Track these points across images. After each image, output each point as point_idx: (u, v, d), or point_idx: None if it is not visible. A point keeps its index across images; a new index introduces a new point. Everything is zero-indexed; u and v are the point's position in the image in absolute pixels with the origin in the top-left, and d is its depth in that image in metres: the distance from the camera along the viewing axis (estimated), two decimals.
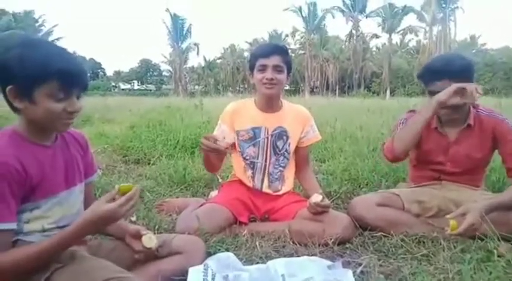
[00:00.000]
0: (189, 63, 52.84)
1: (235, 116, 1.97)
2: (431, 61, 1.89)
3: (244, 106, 2.00)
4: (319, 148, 3.65)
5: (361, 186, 2.56)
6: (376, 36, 45.73)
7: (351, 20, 43.52)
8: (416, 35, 45.22)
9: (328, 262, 1.47)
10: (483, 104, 1.89)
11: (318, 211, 1.75)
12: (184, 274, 1.31)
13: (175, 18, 45.54)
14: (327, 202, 1.77)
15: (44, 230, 1.12)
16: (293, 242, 1.72)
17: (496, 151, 1.87)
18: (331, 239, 1.67)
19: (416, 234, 1.73)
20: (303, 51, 46.55)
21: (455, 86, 1.68)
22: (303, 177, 2.09)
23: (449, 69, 1.73)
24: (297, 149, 2.05)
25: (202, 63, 55.60)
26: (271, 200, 1.98)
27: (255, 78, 1.90)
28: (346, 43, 46.85)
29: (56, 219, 1.12)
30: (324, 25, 47.16)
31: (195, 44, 48.21)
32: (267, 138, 1.97)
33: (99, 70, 60.04)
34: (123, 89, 55.28)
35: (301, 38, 47.88)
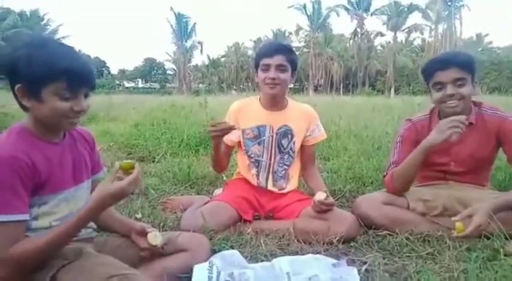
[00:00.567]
0: (193, 62, 52.94)
1: (240, 114, 1.97)
2: (436, 56, 1.89)
3: (249, 104, 2.00)
4: (323, 146, 3.64)
5: (366, 184, 2.55)
6: (381, 34, 45.56)
7: (356, 18, 43.36)
8: (422, 33, 44.98)
9: (333, 260, 1.47)
10: (488, 103, 1.87)
11: (323, 209, 1.74)
12: (189, 271, 1.31)
13: (179, 17, 45.61)
14: (331, 200, 1.77)
15: (51, 227, 1.13)
16: (298, 241, 1.72)
17: (501, 149, 1.85)
18: (335, 237, 1.67)
19: (422, 233, 1.73)
20: (307, 50, 46.44)
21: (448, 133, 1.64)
22: (309, 175, 2.09)
23: (456, 58, 1.73)
24: (303, 147, 2.05)
25: (206, 62, 55.65)
26: (276, 198, 1.98)
27: (259, 78, 1.90)
28: (351, 41, 46.70)
29: (63, 216, 1.13)
30: (329, 23, 47.09)
31: (199, 43, 48.31)
32: (272, 136, 1.97)
33: (103, 68, 60.19)
34: (127, 88, 55.41)
35: (306, 36, 47.76)
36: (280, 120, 1.98)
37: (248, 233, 1.73)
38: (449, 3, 37.82)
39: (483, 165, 1.90)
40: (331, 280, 1.32)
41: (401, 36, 46.03)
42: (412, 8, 41.05)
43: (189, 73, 49.12)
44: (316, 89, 42.13)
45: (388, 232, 1.76)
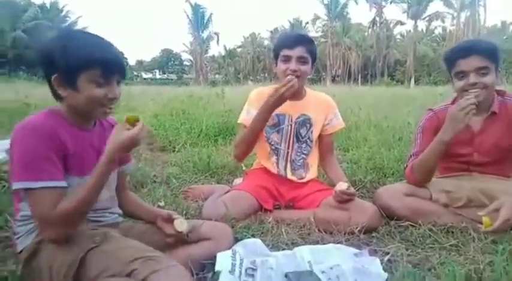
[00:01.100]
0: (210, 53, 52.95)
1: (262, 100, 1.94)
2: (458, 43, 1.84)
3: (269, 91, 1.98)
4: (342, 136, 3.61)
5: (387, 175, 2.53)
6: (401, 23, 44.43)
7: (375, 7, 42.39)
8: (443, 22, 43.65)
9: (355, 250, 1.48)
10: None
11: (344, 199, 1.74)
12: (212, 259, 1.33)
13: (196, 7, 45.56)
14: (352, 190, 1.76)
15: None
16: (318, 230, 1.72)
17: None
18: (357, 227, 1.66)
19: (445, 224, 1.70)
20: (324, 39, 45.79)
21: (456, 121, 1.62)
22: (328, 165, 2.08)
23: (479, 46, 1.68)
24: (321, 136, 2.04)
25: (223, 53, 55.61)
26: (296, 187, 1.98)
27: (279, 69, 1.89)
28: (369, 30, 45.77)
29: None
30: (347, 12, 46.17)
31: (216, 33, 48.24)
32: (291, 125, 1.97)
33: None
34: (145, 79, 56.00)
35: (323, 25, 47.02)
36: (299, 109, 1.98)
37: (269, 222, 1.75)
38: None
39: (507, 155, 1.84)
40: (353, 270, 1.32)
41: (421, 24, 44.82)
42: None
43: (205, 64, 49.23)
44: (333, 80, 41.61)
45: (410, 223, 1.74)
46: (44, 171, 1.04)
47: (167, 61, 62.07)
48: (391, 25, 45.16)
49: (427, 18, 42.98)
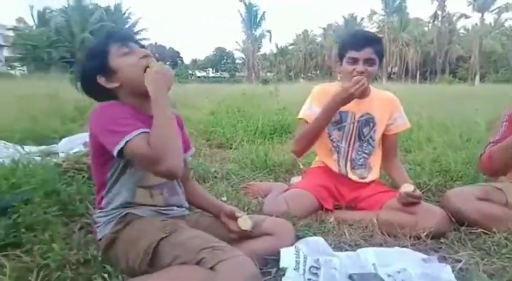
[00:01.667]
0: (262, 51, 53.24)
1: (325, 97, 1.89)
2: None
3: (334, 89, 1.95)
4: (403, 137, 3.45)
5: (454, 179, 2.38)
6: (466, 16, 41.43)
7: (436, 0, 39.96)
8: None
9: (423, 255, 1.42)
10: None
11: (409, 202, 1.68)
12: (275, 254, 1.35)
13: (249, 6, 46.03)
14: (418, 192, 1.69)
15: (153, 205, 1.26)
16: (381, 233, 1.67)
17: None
18: (423, 232, 1.59)
19: None
20: (381, 35, 44.02)
21: None
22: (391, 166, 2.01)
23: None
24: (384, 136, 1.98)
25: (275, 50, 55.64)
26: (358, 188, 1.94)
27: (344, 69, 1.84)
28: (430, 25, 43.29)
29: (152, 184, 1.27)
30: (405, 6, 44.01)
31: (268, 31, 48.38)
32: (353, 123, 1.93)
33: (178, 59, 63.32)
34: (198, 77, 57.66)
35: (380, 21, 45.26)
36: (363, 107, 1.93)
37: (330, 222, 1.73)
38: None
39: None
40: (421, 275, 1.28)
41: (489, 17, 41.48)
42: None
43: (257, 62, 49.61)
44: (389, 77, 39.95)
45: (482, 230, 1.63)
46: (132, 124, 1.12)
47: (220, 59, 63.42)
48: (454, 19, 42.34)
49: (496, 11, 39.70)
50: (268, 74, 54.04)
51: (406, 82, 28.39)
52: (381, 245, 1.57)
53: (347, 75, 1.82)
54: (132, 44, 1.23)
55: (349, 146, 1.95)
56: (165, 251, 1.12)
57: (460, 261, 1.40)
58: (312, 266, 1.30)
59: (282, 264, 1.28)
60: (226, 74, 59.89)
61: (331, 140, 1.97)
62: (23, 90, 6.00)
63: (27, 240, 1.31)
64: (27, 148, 2.15)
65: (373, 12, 45.94)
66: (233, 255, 1.05)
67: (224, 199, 1.95)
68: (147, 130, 1.13)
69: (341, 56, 1.86)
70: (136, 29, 36.95)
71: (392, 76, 41.71)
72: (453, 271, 1.31)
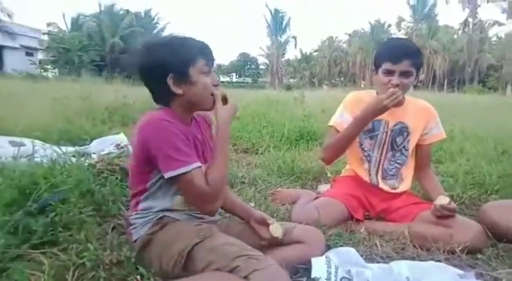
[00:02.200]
0: (286, 56, 53.21)
1: (357, 104, 1.88)
2: None
3: (367, 97, 1.91)
4: (434, 147, 3.36)
5: (489, 192, 2.29)
6: (499, 23, 40.05)
7: (468, 7, 38.89)
8: None
9: (459, 271, 1.37)
10: None
11: (444, 215, 1.62)
12: (306, 263, 1.34)
13: (275, 12, 46.23)
14: (453, 205, 1.64)
15: (189, 210, 1.28)
16: (414, 246, 1.63)
17: None
18: (458, 246, 1.54)
19: None
20: None
21: None
22: (424, 177, 1.95)
23: None
24: (418, 147, 1.93)
25: (299, 56, 55.52)
26: (388, 199, 1.90)
27: (379, 79, 1.79)
28: (460, 32, 42.12)
29: None
30: (434, 13, 43.06)
31: (293, 37, 48.36)
32: (386, 132, 1.89)
33: None
34: (222, 82, 58.06)
35: (408, 28, 44.43)
36: (397, 116, 1.88)
37: (361, 233, 1.70)
38: None
39: None
40: None
41: None
42: None
43: (281, 67, 49.63)
44: (415, 86, 39.04)
45: None
46: (190, 155, 1.17)
47: (244, 65, 63.78)
48: (486, 26, 41.01)
49: None
50: (292, 80, 53.93)
51: (433, 91, 27.65)
52: (413, 258, 1.53)
53: (382, 86, 1.78)
54: (212, 65, 1.27)
55: (381, 156, 1.92)
56: (199, 256, 1.13)
57: (498, 279, 1.35)
58: (343, 277, 1.29)
59: (313, 274, 1.27)
60: (249, 79, 60.14)
61: (363, 149, 1.94)
62: (56, 93, 6.21)
63: (63, 239, 1.34)
64: (63, 148, 2.21)
65: (401, 19, 45.13)
66: (267, 265, 1.05)
67: (252, 204, 1.95)
68: (201, 165, 1.18)
69: (377, 66, 1.81)
70: (164, 34, 37.70)
71: (418, 84, 40.77)
72: None
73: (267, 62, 52.33)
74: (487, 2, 38.77)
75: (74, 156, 2.09)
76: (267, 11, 47.13)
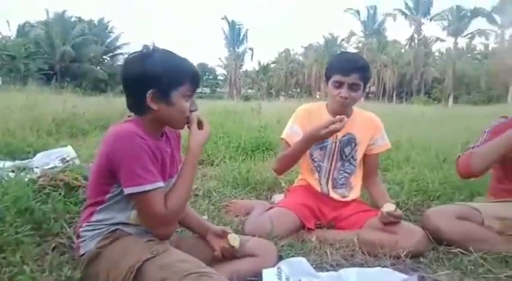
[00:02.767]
0: (244, 68, 53.71)
1: (308, 116, 1.95)
2: None
3: (317, 109, 1.98)
4: (382, 156, 3.51)
5: (432, 198, 2.43)
6: (440, 40, 43.24)
7: (414, 24, 41.61)
8: (487, 39, 42.01)
9: (403, 275, 1.43)
10: None
11: (390, 221, 1.70)
12: (257, 275, 1.34)
13: (232, 24, 46.68)
14: (399, 212, 1.71)
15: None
16: (362, 252, 1.68)
17: None
18: (403, 251, 1.61)
19: (499, 253, 1.62)
20: None
21: None
22: (372, 186, 2.03)
23: None
24: (366, 156, 2.01)
25: (257, 68, 56.27)
26: (339, 207, 1.95)
27: (330, 90, 1.87)
28: (407, 47, 44.88)
29: None
30: (383, 29, 45.59)
31: (250, 49, 48.98)
32: (335, 143, 1.95)
33: None
34: None
35: (359, 42, 46.64)
36: (345, 127, 1.94)
37: (312, 242, 1.72)
38: None
39: None
40: None
41: (462, 42, 43.38)
42: (475, 12, 38.58)
43: (239, 79, 49.99)
44: (367, 97, 40.89)
45: (460, 249, 1.66)
46: (155, 174, 1.14)
47: (202, 75, 63.53)
48: (430, 42, 44.08)
49: (468, 36, 41.61)
50: (250, 90, 54.43)
51: (383, 102, 29.15)
52: (361, 265, 1.58)
53: (331, 97, 1.87)
54: (195, 92, 1.25)
55: (331, 166, 1.97)
56: (150, 273, 1.10)
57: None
58: None
59: None
60: (207, 90, 59.92)
61: (313, 160, 1.98)
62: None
63: None
64: (0, 163, 2.06)
65: (353, 34, 47.33)
66: None
67: (205, 217, 1.92)
68: (163, 185, 1.16)
69: (327, 77, 1.89)
70: (118, 43, 36.72)
71: (370, 96, 42.75)
72: None
73: (225, 73, 52.55)
74: (430, 20, 41.79)
75: (12, 171, 1.96)
76: (224, 23, 47.42)
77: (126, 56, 1.37)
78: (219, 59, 55.11)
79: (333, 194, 1.96)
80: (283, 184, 2.67)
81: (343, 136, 1.95)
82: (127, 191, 1.12)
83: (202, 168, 3.38)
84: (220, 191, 2.53)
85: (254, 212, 1.96)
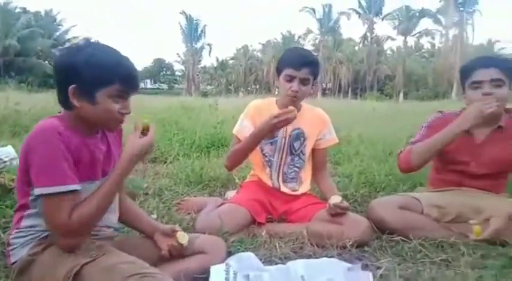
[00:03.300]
0: (202, 64, 53.09)
1: (258, 113, 1.97)
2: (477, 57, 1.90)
3: (267, 105, 2.01)
4: (334, 150, 3.64)
5: (378, 190, 2.55)
6: (391, 38, 45.30)
7: (367, 22, 43.23)
8: (433, 38, 44.61)
9: (348, 265, 1.48)
10: None
11: (337, 213, 1.76)
12: (206, 272, 1.33)
13: (190, 19, 45.92)
14: (346, 203, 1.78)
15: None
16: (311, 244, 1.73)
17: None
18: (349, 241, 1.67)
19: (436, 239, 1.73)
20: (316, 53, 46.18)
21: (478, 110, 1.68)
22: (320, 179, 2.10)
23: (500, 60, 1.78)
24: (314, 151, 2.06)
25: (215, 64, 55.84)
26: (289, 201, 1.99)
27: (281, 84, 1.91)
28: (360, 45, 46.58)
29: None
30: (338, 27, 46.94)
31: (208, 45, 48.52)
32: (285, 138, 1.99)
33: None
34: None
35: (315, 39, 47.69)
36: (294, 123, 1.99)
37: (262, 236, 1.75)
38: (461, 9, 37.49)
39: (503, 170, 1.88)
40: None
41: (411, 41, 45.76)
42: (423, 12, 40.80)
43: (197, 75, 49.34)
44: (324, 93, 42.01)
45: (401, 237, 1.76)
46: (64, 174, 1.06)
47: (159, 71, 61.93)
48: (382, 41, 46.04)
49: (416, 35, 43.94)
50: (208, 87, 53.96)
51: (339, 98, 30.09)
52: (309, 256, 1.62)
53: (282, 91, 1.90)
54: (131, 93, 1.15)
55: (281, 160, 2.01)
56: (91, 277, 1.06)
57: (380, 268, 1.49)
58: None
59: None
60: (164, 86, 58.54)
61: (264, 155, 2.01)
62: None
63: None
64: None
65: (309, 31, 48.32)
66: None
67: (154, 216, 1.88)
68: (79, 188, 1.08)
69: (279, 71, 1.92)
70: (68, 37, 34.90)
71: (326, 92, 43.95)
72: (374, 278, 1.39)
73: (183, 69, 51.65)
74: (382, 19, 43.59)
75: None
76: (181, 17, 46.53)
77: None
78: (177, 54, 54.09)
79: (284, 188, 2.00)
80: (236, 180, 2.67)
81: (292, 131, 1.99)
82: (37, 191, 1.05)
83: (154, 166, 3.31)
84: (172, 189, 2.50)
85: (205, 210, 1.95)
